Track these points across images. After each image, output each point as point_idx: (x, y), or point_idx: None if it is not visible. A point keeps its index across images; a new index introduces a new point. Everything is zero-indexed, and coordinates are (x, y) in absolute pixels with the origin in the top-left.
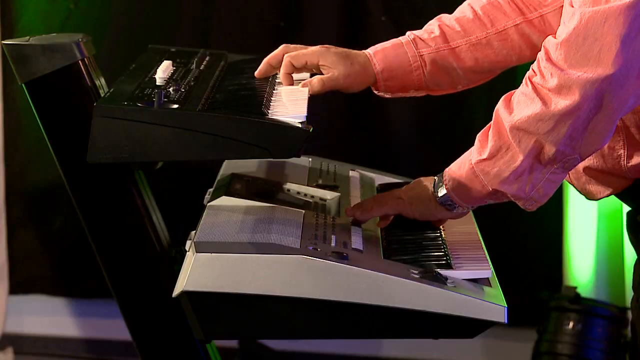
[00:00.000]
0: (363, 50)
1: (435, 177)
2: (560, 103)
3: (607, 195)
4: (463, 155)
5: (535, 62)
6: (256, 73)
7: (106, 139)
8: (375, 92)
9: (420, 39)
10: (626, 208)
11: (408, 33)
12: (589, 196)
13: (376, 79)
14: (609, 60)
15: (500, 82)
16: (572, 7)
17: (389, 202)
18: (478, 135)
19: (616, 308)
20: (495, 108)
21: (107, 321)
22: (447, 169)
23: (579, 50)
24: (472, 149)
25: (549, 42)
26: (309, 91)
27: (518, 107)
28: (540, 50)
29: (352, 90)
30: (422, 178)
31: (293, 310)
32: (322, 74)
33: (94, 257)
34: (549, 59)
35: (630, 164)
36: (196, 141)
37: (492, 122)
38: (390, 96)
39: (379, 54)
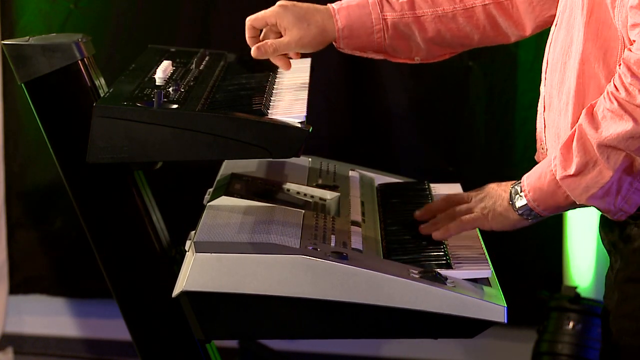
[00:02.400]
0: (328, 5)
1: (511, 188)
2: None
3: (622, 218)
4: (541, 165)
5: (617, 78)
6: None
7: (106, 139)
8: (334, 45)
9: (387, 1)
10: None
11: None
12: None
13: (336, 36)
14: None
15: (500, 82)
16: None
17: (467, 220)
18: (560, 147)
19: None
20: (578, 122)
21: (107, 321)
22: (525, 179)
23: None
24: (552, 160)
25: (631, 58)
26: (262, 56)
27: (605, 123)
28: (619, 65)
29: (308, 51)
30: (491, 185)
31: (293, 310)
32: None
33: (94, 257)
34: (633, 75)
35: None
36: (196, 141)
37: (575, 136)
38: (348, 52)
39: (343, 11)
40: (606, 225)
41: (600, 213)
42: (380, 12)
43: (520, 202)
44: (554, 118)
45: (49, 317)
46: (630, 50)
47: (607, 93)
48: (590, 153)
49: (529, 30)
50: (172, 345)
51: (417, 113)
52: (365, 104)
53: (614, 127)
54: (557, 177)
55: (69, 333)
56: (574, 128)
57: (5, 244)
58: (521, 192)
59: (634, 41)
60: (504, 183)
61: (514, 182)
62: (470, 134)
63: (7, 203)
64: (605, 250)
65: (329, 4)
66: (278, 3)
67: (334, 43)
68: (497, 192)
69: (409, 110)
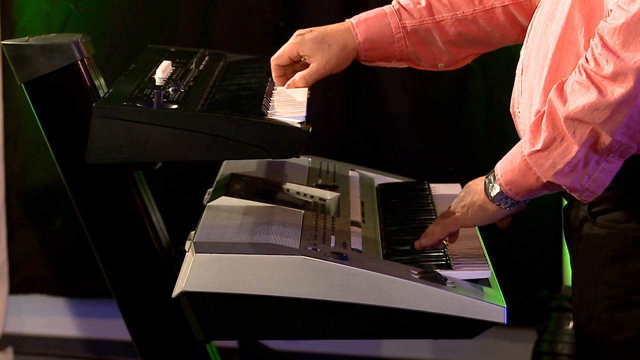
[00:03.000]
0: (345, 20)
1: (485, 179)
2: (617, 91)
3: (589, 199)
4: (513, 149)
5: (589, 50)
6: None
7: (105, 140)
8: (358, 60)
9: (405, 9)
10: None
11: (393, 2)
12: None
13: (358, 50)
14: None
15: (500, 83)
16: None
17: (448, 222)
18: (530, 125)
19: None
20: (548, 97)
21: (107, 321)
22: (497, 165)
23: (639, 35)
24: (524, 140)
25: (604, 28)
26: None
27: (572, 96)
28: (592, 37)
29: (336, 71)
30: (469, 183)
31: (293, 310)
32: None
33: (94, 257)
34: (604, 45)
35: None
36: (195, 141)
37: (545, 112)
38: (371, 65)
39: (362, 24)
40: (567, 220)
41: (563, 208)
42: (399, 20)
43: (494, 191)
44: (529, 81)
45: (49, 317)
46: (606, 21)
47: (578, 66)
48: (558, 128)
49: None
50: (172, 345)
51: (417, 113)
52: (365, 104)
53: (580, 99)
54: (525, 153)
55: (69, 333)
56: (544, 108)
57: (5, 244)
58: (494, 180)
59: (611, 11)
60: (480, 178)
61: (488, 174)
62: (470, 134)
63: (7, 203)
64: None
65: (346, 20)
66: (295, 34)
67: (357, 58)
68: (474, 187)
69: (409, 110)
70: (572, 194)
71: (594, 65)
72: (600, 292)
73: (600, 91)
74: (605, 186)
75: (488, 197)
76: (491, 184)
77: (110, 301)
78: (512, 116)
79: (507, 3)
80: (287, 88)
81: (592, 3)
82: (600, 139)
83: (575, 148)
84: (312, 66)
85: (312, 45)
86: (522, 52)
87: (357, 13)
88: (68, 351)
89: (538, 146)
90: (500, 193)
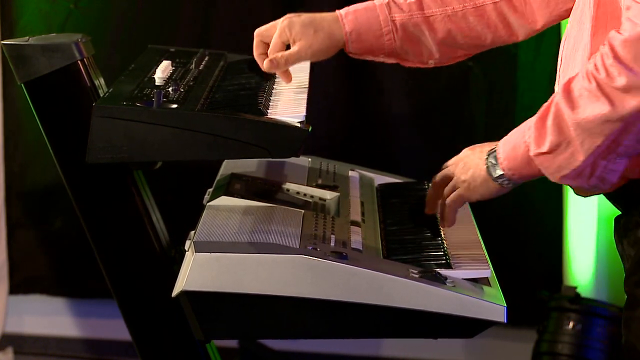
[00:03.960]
0: (336, 11)
1: (487, 156)
2: (630, 104)
3: (597, 193)
4: (515, 134)
5: (599, 58)
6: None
7: (105, 139)
8: (346, 52)
9: (395, 2)
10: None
11: None
12: (580, 192)
13: (344, 40)
14: None
15: (499, 83)
16: (638, 1)
17: (453, 200)
18: (534, 122)
19: (616, 308)
20: (555, 99)
21: (107, 321)
22: (499, 147)
23: None
24: (526, 130)
25: (615, 39)
26: (275, 69)
27: (582, 102)
28: (603, 45)
29: (319, 58)
30: (466, 152)
31: (293, 310)
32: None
33: (94, 257)
34: (616, 56)
35: (631, 164)
36: (195, 141)
37: (550, 112)
38: (359, 57)
39: (350, 15)
40: (619, 230)
41: (614, 217)
42: (389, 13)
43: (497, 172)
44: None
45: (49, 317)
46: (619, 32)
47: (587, 72)
48: (564, 133)
49: (540, 24)
50: (172, 345)
51: (417, 113)
52: (365, 103)
53: (591, 108)
54: (531, 153)
55: (69, 333)
56: (548, 102)
57: (5, 244)
58: (497, 162)
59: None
60: (478, 147)
61: (489, 147)
62: (470, 134)
63: (7, 203)
64: (609, 251)
65: (337, 10)
66: (285, 16)
67: (344, 48)
68: (474, 160)
69: (409, 110)
70: (578, 190)
71: (604, 76)
72: None
73: (612, 103)
74: (613, 183)
75: (491, 177)
76: (493, 166)
77: (110, 301)
78: None
79: (497, 0)
80: (267, 64)
81: (613, 28)
82: (609, 147)
83: (582, 157)
84: (294, 49)
85: (298, 29)
86: (556, 88)
87: None
88: (68, 351)
89: (544, 148)
90: (503, 175)
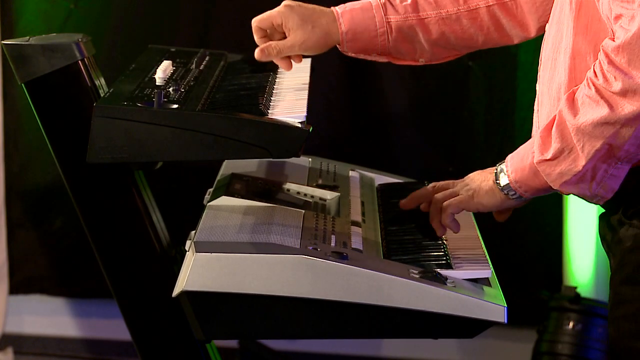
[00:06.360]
0: (331, 8)
1: (496, 167)
2: (627, 107)
3: (599, 203)
4: (525, 146)
5: (597, 64)
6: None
7: (106, 139)
8: (338, 48)
9: (390, 3)
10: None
11: None
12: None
13: (340, 39)
14: None
15: (499, 83)
16: (627, 8)
17: (451, 202)
18: (541, 131)
19: None
20: (559, 108)
21: (107, 321)
22: (509, 158)
23: None
24: (535, 141)
25: (608, 46)
26: (265, 58)
27: (583, 109)
28: (599, 52)
29: (311, 53)
30: (474, 173)
31: (293, 310)
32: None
33: (94, 257)
34: (610, 62)
35: None
36: (196, 141)
37: (555, 120)
38: (352, 55)
39: (347, 14)
40: (603, 227)
41: (599, 215)
42: (384, 15)
43: (504, 181)
44: (545, 115)
45: (49, 317)
46: (612, 40)
47: (587, 79)
48: (567, 139)
49: (533, 31)
50: (172, 345)
51: (417, 113)
52: (365, 104)
53: (591, 112)
54: (535, 161)
55: (69, 333)
56: (555, 112)
57: (5, 244)
58: (504, 173)
59: (615, 32)
60: (487, 169)
61: (499, 165)
62: (470, 134)
63: (7, 203)
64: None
65: (332, 7)
66: (284, 3)
67: (337, 46)
68: (482, 175)
69: (409, 110)
70: (582, 198)
71: (602, 81)
72: (636, 291)
73: (610, 106)
74: (615, 190)
75: (498, 185)
76: (502, 174)
77: (110, 301)
78: None
79: (491, 3)
80: (258, 53)
81: (595, 29)
82: (609, 151)
83: (583, 162)
84: (289, 41)
85: (297, 20)
86: (537, 88)
87: None
88: (68, 351)
89: (548, 155)
90: (509, 185)
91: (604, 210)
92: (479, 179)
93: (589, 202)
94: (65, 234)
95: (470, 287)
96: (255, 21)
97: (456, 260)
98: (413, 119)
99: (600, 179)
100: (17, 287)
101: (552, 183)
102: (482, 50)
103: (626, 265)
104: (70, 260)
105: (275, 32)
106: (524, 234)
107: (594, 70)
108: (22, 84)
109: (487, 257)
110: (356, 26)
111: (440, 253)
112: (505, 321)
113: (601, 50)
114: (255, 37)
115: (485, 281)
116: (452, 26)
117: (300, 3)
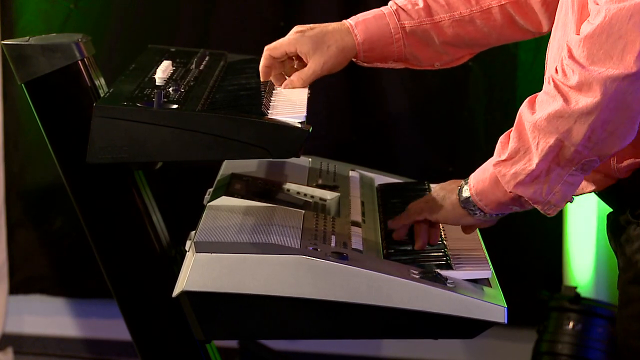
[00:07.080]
0: (343, 21)
1: (463, 181)
2: (581, 101)
3: (589, 192)
4: (488, 161)
5: (559, 60)
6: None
7: (106, 139)
8: (354, 60)
9: (403, 9)
10: (607, 210)
11: (391, 3)
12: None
13: (357, 50)
14: (632, 57)
15: (499, 83)
16: (597, 4)
17: (413, 209)
18: (501, 137)
19: (616, 308)
20: (520, 109)
21: (107, 321)
22: (472, 175)
23: (602, 47)
24: (496, 147)
25: (572, 40)
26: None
27: (540, 106)
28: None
29: (333, 72)
30: (450, 181)
31: (293, 310)
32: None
33: (94, 257)
34: (571, 56)
35: (620, 165)
36: (196, 141)
37: (515, 123)
38: (368, 65)
39: (361, 25)
40: (611, 227)
41: (606, 215)
42: (398, 20)
43: (464, 194)
44: None
45: (49, 317)
46: (577, 33)
47: (548, 78)
48: (523, 139)
49: (545, 27)
50: (172, 345)
51: (417, 113)
52: (366, 104)
53: (546, 107)
54: (492, 164)
55: (69, 333)
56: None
57: (5, 244)
58: (467, 187)
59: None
60: (456, 181)
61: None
62: (470, 134)
63: (7, 203)
64: (609, 251)
65: (343, 20)
66: (294, 29)
67: (353, 60)
68: (451, 185)
69: (409, 110)
70: (536, 206)
71: (561, 76)
72: None
73: (565, 100)
74: (567, 200)
75: (459, 199)
76: (464, 189)
77: (110, 301)
78: None
79: (503, 2)
80: (284, 88)
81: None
82: (562, 150)
83: (537, 160)
84: (310, 66)
85: (311, 44)
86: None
87: (357, 13)
88: (68, 351)
89: (504, 156)
90: (469, 199)
91: (608, 211)
92: (447, 190)
93: (544, 212)
94: (65, 234)
95: (470, 288)
96: (268, 49)
97: (456, 260)
98: (413, 119)
99: (553, 184)
100: (17, 287)
101: (507, 184)
102: (482, 50)
103: (634, 264)
104: (70, 260)
105: (289, 60)
106: (524, 234)
107: (555, 67)
108: (22, 84)
109: (487, 257)
110: (372, 35)
111: (440, 253)
112: (506, 321)
113: (565, 46)
114: (262, 64)
115: (485, 281)
116: (466, 27)
117: (311, 26)
